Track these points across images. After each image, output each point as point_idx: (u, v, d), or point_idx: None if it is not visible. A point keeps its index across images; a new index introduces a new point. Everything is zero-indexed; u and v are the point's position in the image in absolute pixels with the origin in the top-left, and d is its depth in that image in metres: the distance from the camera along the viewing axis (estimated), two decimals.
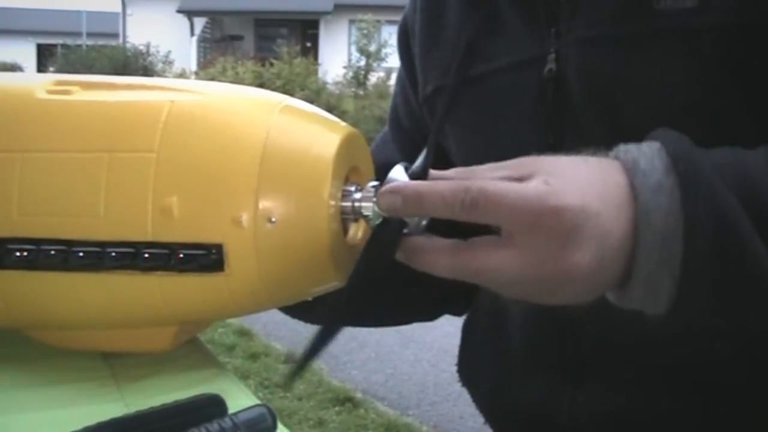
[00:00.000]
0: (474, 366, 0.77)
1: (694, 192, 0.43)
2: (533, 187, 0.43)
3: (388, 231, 0.46)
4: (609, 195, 0.43)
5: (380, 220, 0.47)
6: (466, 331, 0.79)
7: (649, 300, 0.45)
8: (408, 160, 0.49)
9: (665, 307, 0.44)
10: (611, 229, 0.43)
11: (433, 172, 0.47)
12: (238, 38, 20.17)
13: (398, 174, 0.48)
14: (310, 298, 0.54)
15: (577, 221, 0.42)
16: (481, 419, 0.76)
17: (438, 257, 0.45)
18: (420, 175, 0.47)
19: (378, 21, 15.32)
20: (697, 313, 0.45)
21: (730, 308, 0.46)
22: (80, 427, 0.42)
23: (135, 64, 16.67)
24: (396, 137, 0.81)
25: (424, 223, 0.47)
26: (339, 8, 19.07)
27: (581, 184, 0.44)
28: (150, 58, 17.38)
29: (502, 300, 0.72)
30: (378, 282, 0.46)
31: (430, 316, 0.83)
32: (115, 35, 21.42)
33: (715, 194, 0.43)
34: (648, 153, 0.45)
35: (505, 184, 0.43)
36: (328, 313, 0.46)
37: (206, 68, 15.36)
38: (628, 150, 0.45)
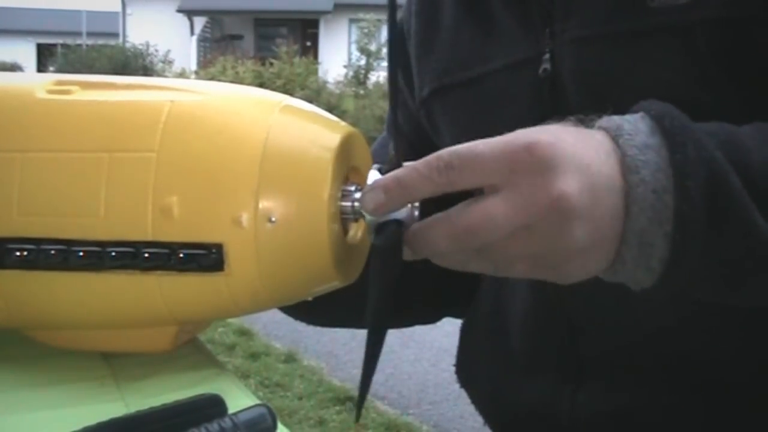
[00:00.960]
0: (473, 367, 0.77)
1: (682, 145, 0.43)
2: (503, 136, 0.43)
3: (388, 236, 0.46)
4: (589, 142, 0.44)
5: (375, 225, 0.47)
6: (465, 333, 0.79)
7: (641, 264, 0.44)
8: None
9: (658, 273, 0.44)
10: (591, 163, 0.43)
11: (407, 164, 0.47)
12: (238, 38, 20.17)
13: (375, 177, 0.49)
14: (310, 298, 0.54)
15: (552, 153, 0.42)
16: (481, 419, 0.76)
17: (433, 232, 0.45)
18: (395, 167, 0.47)
19: (378, 20, 15.31)
20: (688, 279, 0.45)
21: (721, 272, 0.45)
22: (80, 427, 0.42)
23: (135, 63, 16.67)
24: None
25: (416, 214, 0.47)
26: (339, 7, 19.08)
27: (554, 130, 0.44)
28: (150, 58, 17.39)
29: (502, 299, 0.71)
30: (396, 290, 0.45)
31: (432, 318, 0.83)
32: (115, 35, 21.43)
33: (702, 147, 0.43)
34: (631, 119, 0.45)
35: (475, 142, 0.44)
36: (368, 338, 0.46)
37: (206, 68, 15.35)
38: (611, 119, 0.46)
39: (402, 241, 0.46)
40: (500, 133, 0.46)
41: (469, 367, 0.78)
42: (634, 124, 0.45)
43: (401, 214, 0.47)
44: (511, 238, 0.43)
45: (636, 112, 0.46)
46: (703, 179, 0.43)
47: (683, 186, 0.43)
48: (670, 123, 0.44)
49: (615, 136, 0.44)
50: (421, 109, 0.73)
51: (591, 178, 0.42)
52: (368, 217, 0.48)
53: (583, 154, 0.43)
